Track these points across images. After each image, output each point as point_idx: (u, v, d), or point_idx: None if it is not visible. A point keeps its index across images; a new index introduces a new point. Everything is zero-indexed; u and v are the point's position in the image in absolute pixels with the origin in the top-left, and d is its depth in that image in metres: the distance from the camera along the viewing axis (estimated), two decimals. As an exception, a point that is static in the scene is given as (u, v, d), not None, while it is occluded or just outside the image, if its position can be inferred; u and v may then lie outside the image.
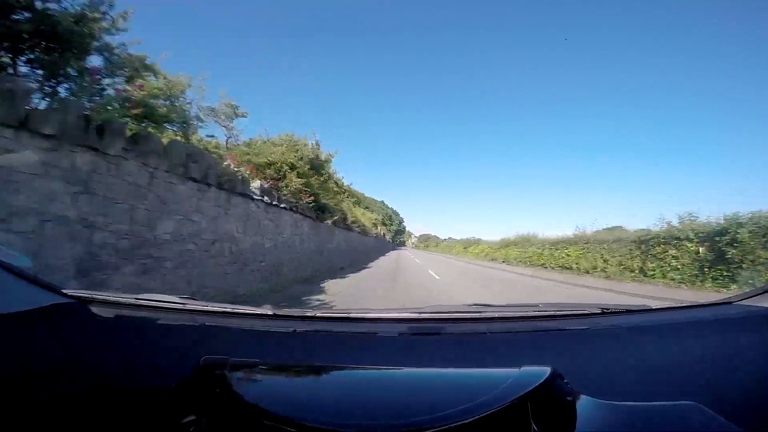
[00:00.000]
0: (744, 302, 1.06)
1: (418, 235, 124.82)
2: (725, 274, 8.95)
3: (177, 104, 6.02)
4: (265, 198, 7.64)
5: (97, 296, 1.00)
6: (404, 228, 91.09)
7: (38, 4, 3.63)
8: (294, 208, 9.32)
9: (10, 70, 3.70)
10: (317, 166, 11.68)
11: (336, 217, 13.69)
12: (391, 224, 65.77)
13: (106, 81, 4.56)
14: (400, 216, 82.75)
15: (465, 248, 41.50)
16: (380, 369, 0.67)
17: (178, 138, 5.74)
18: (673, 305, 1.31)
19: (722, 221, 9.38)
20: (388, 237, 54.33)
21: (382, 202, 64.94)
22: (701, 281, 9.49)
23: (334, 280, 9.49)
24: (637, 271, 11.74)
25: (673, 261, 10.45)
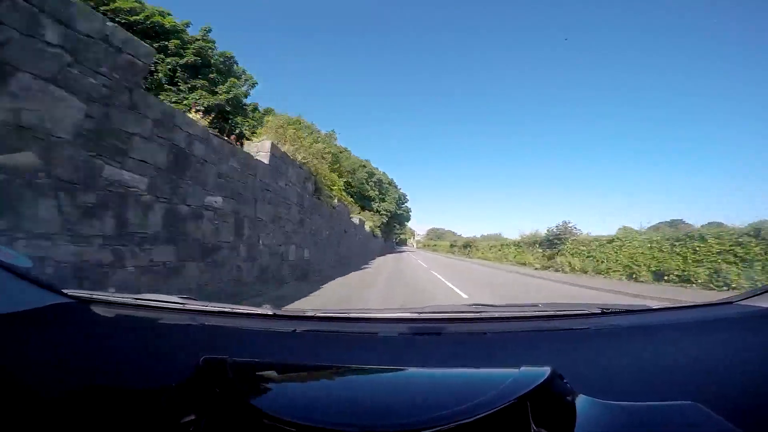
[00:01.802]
0: (744, 302, 1.06)
1: (424, 231, 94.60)
2: None
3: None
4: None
5: (97, 296, 1.00)
6: (408, 214, 52.46)
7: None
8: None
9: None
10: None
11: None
12: (383, 197, 36.60)
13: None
14: (399, 188, 45.80)
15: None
16: (380, 369, 0.68)
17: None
18: (673, 305, 1.31)
19: None
20: (367, 226, 24.55)
21: (367, 161, 34.95)
22: None
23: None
24: None
25: None
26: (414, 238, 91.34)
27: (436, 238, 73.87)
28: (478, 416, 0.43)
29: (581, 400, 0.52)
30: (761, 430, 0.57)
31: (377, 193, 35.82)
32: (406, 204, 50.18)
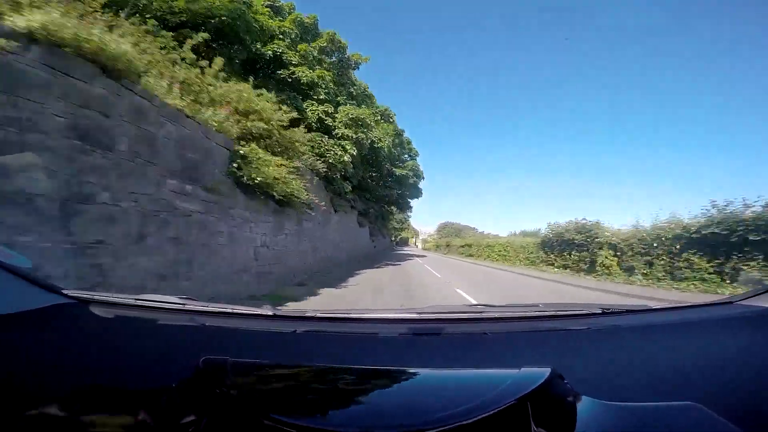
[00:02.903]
0: (744, 302, 1.06)
1: (430, 230, 69.55)
2: None
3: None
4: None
5: (97, 296, 1.00)
6: (419, 189, 23.74)
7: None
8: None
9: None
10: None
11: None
12: (367, 127, 12.17)
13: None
14: (410, 142, 22.19)
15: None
16: (380, 370, 0.67)
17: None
18: (674, 305, 1.31)
19: None
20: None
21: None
22: None
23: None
24: None
25: None
26: (419, 237, 72.69)
27: (453, 236, 46.93)
28: (478, 417, 0.43)
29: (582, 401, 0.52)
30: (761, 431, 0.57)
31: (348, 99, 14.63)
32: (416, 167, 23.46)
